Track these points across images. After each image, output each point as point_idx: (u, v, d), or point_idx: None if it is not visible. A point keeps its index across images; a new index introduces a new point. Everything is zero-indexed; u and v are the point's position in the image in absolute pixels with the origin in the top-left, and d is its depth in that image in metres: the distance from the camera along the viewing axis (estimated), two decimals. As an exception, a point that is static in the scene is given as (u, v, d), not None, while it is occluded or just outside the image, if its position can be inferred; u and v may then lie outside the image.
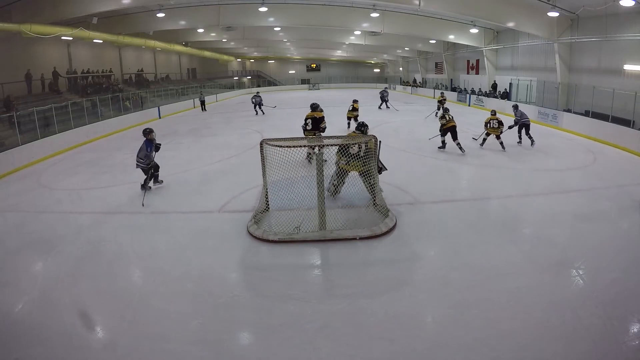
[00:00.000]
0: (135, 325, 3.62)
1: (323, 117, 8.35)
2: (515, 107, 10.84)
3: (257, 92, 21.01)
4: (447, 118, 9.70)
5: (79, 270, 4.65)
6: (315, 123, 8.17)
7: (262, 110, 19.07)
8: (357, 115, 13.91)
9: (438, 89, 26.77)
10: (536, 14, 14.20)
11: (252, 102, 19.14)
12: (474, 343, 3.25)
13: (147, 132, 7.47)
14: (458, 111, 17.81)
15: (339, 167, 6.11)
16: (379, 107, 19.44)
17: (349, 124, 13.91)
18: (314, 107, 8.49)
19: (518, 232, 5.48)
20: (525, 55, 18.18)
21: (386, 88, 20.41)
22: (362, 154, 5.78)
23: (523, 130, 10.49)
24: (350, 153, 5.90)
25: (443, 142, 9.97)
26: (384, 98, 19.62)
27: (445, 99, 16.46)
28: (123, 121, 16.22)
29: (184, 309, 3.83)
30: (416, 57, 31.02)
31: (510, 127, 10.46)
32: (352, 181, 6.33)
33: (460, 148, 9.51)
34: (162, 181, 7.74)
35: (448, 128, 9.59)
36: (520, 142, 10.63)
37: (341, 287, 4.15)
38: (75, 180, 8.69)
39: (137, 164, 7.30)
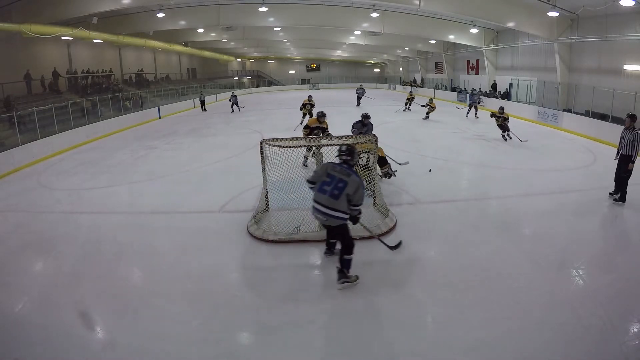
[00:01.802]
0: (135, 325, 3.61)
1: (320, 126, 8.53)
2: (471, 94, 17.81)
3: (233, 92, 22.57)
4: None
5: (79, 270, 4.65)
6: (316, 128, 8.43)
7: (234, 109, 20.43)
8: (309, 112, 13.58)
9: (438, 88, 26.78)
10: (536, 14, 14.20)
11: (230, 102, 20.85)
12: (474, 343, 3.24)
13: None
14: (458, 111, 17.83)
15: None
16: (357, 105, 20.37)
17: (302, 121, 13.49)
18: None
19: (518, 232, 5.48)
20: (525, 55, 18.18)
21: (361, 85, 22.71)
22: (370, 164, 6.00)
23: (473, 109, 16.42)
24: (359, 164, 6.06)
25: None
26: (360, 95, 21.20)
27: (414, 97, 18.71)
28: (123, 121, 16.23)
29: (184, 309, 3.83)
30: (416, 57, 31.02)
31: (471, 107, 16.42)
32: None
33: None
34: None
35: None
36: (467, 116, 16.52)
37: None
38: (75, 180, 8.69)
39: (324, 211, 3.75)
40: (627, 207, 6.03)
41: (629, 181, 6.11)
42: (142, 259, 4.96)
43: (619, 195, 6.19)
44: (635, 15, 11.29)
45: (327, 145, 5.78)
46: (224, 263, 4.73)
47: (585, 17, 13.26)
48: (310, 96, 14.36)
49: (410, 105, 18.54)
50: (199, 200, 6.88)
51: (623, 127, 6.21)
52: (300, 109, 13.72)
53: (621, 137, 6.11)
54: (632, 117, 6.05)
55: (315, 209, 3.82)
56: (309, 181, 3.98)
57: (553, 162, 8.88)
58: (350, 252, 3.91)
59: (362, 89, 21.82)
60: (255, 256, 4.93)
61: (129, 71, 24.06)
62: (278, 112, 19.43)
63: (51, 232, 5.85)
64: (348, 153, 4.01)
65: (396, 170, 6.99)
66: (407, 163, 7.81)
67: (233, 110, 20.30)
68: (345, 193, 3.75)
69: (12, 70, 14.80)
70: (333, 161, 4.10)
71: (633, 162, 5.96)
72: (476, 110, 16.45)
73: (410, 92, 20.17)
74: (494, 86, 20.54)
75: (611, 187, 6.33)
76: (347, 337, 3.36)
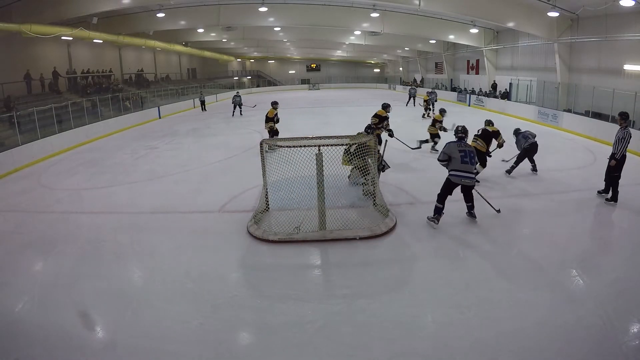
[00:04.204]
0: (135, 325, 3.62)
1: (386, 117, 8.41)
2: (431, 92, 17.46)
3: (237, 92, 21.15)
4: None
5: (79, 270, 4.65)
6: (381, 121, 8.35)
7: (240, 111, 19.07)
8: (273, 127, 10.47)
9: (438, 88, 26.75)
10: (536, 14, 14.20)
11: (232, 103, 19.30)
12: (474, 343, 3.25)
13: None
14: (458, 111, 17.84)
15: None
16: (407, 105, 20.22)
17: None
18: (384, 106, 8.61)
19: (518, 232, 5.48)
20: (525, 55, 18.18)
21: (413, 85, 22.28)
22: (351, 150, 6.14)
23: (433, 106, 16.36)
24: (349, 151, 6.29)
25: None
26: (412, 95, 20.73)
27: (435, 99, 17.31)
28: (123, 121, 16.24)
29: (184, 309, 3.83)
30: (416, 57, 31.02)
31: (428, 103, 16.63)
32: (353, 180, 6.37)
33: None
34: None
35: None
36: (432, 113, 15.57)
37: (341, 287, 4.15)
38: (75, 180, 8.69)
39: (471, 176, 5.28)
40: (627, 208, 6.03)
41: (623, 182, 6.13)
42: (142, 259, 4.96)
43: (610, 195, 6.19)
44: (635, 15, 11.29)
45: (327, 146, 5.76)
46: (224, 263, 4.73)
47: (585, 17, 13.26)
48: (274, 103, 10.68)
49: (431, 109, 16.43)
50: (199, 200, 6.88)
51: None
52: (271, 118, 10.37)
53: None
54: (623, 115, 6.04)
55: (464, 177, 5.22)
56: (441, 160, 5.40)
57: (553, 162, 8.87)
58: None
59: (415, 88, 21.36)
60: (255, 256, 4.94)
61: (129, 71, 24.05)
62: (278, 111, 19.39)
63: (51, 232, 5.85)
64: (463, 132, 5.52)
65: (388, 167, 7.03)
66: (419, 147, 7.80)
67: (233, 114, 18.75)
68: (475, 159, 5.34)
69: (12, 70, 14.79)
70: (451, 142, 5.43)
71: (617, 160, 5.96)
72: (433, 107, 16.45)
73: (432, 91, 17.92)
74: (494, 86, 20.54)
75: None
76: (347, 337, 3.36)
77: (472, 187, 5.37)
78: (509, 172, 7.79)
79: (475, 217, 5.52)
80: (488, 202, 5.79)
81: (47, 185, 8.42)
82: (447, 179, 5.35)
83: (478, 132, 7.60)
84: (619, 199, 6.13)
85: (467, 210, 5.55)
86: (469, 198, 5.43)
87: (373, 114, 8.43)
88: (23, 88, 15.31)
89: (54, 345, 3.38)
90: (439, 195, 5.40)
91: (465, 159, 5.23)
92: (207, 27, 22.07)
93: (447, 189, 5.35)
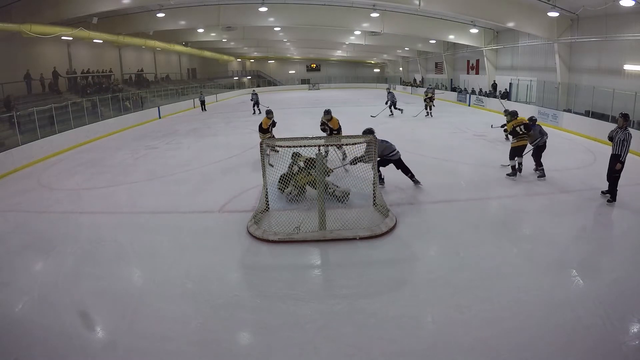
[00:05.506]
0: (135, 325, 3.62)
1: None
2: (388, 92, 17.76)
3: (254, 90, 20.96)
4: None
5: (79, 270, 4.65)
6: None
7: (255, 110, 19.08)
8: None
9: (438, 88, 26.74)
10: (536, 14, 14.20)
11: (252, 100, 19.41)
12: (474, 343, 3.25)
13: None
14: (458, 111, 17.83)
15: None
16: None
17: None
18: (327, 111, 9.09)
19: (518, 232, 5.48)
20: (525, 55, 18.18)
21: (430, 86, 21.28)
22: (301, 164, 6.07)
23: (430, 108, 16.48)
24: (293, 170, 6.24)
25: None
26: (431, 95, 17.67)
27: (432, 97, 16.67)
28: (123, 121, 16.24)
29: (184, 309, 3.83)
30: (416, 57, 31.03)
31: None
32: (353, 182, 6.35)
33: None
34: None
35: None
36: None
37: (341, 287, 4.15)
38: (75, 180, 8.70)
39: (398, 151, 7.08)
40: (627, 208, 6.03)
41: (623, 182, 6.13)
42: (142, 259, 4.96)
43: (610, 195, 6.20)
44: (635, 15, 11.29)
45: (326, 145, 5.78)
46: (224, 263, 4.73)
47: (585, 17, 13.26)
48: (269, 112, 9.51)
49: (430, 108, 16.39)
50: (199, 200, 6.88)
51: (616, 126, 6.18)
52: (266, 129, 9.24)
53: (612, 137, 6.09)
54: (625, 116, 6.05)
55: (393, 154, 6.92)
56: (380, 156, 6.64)
57: (553, 162, 8.86)
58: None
59: (433, 90, 19.47)
60: (255, 256, 4.94)
61: (129, 71, 24.06)
62: (278, 111, 19.39)
63: (51, 232, 5.85)
64: (373, 130, 6.89)
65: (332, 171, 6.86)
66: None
67: (255, 112, 18.89)
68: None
69: (12, 70, 14.80)
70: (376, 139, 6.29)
71: (621, 162, 5.96)
72: (391, 108, 16.74)
73: (426, 91, 17.04)
74: (494, 86, 20.54)
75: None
76: (347, 337, 3.36)
77: (400, 159, 6.91)
78: (540, 171, 7.64)
79: (419, 182, 6.99)
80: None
81: (47, 185, 8.42)
82: (382, 159, 6.83)
83: (521, 131, 7.55)
84: (619, 198, 6.14)
85: (411, 180, 7.02)
86: (405, 170, 6.96)
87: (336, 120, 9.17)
88: (23, 88, 15.31)
89: (54, 345, 3.38)
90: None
91: (388, 143, 6.88)
92: (207, 27, 22.08)
93: (381, 165, 6.87)
